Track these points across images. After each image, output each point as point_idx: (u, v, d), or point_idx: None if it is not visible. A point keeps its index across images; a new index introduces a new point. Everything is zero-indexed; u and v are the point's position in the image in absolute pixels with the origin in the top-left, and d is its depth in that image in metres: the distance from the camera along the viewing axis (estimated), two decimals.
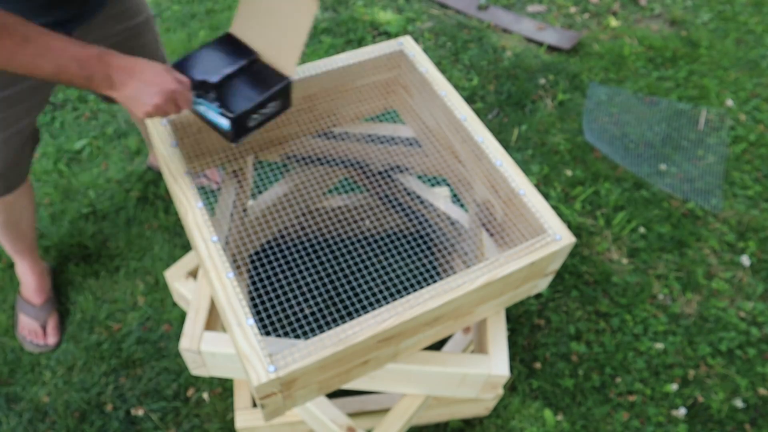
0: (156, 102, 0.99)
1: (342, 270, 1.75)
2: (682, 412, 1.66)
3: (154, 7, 2.72)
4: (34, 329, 1.70)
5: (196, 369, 1.22)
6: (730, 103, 2.40)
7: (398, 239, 1.52)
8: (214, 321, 1.24)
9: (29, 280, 1.73)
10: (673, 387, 1.70)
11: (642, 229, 2.01)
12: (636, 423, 1.64)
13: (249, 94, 1.11)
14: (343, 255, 1.51)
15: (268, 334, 1.60)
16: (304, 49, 1.06)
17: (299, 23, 1.09)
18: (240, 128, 1.10)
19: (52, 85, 1.36)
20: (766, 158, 2.23)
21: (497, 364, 1.19)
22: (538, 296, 1.85)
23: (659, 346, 1.77)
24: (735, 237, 2.00)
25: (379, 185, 1.53)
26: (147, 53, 1.49)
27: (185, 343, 1.16)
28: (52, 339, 1.71)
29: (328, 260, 1.79)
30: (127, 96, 0.99)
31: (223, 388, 1.65)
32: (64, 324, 1.75)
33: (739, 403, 1.68)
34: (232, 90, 1.11)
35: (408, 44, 1.38)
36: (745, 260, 1.95)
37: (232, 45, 1.16)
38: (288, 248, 1.78)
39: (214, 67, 1.12)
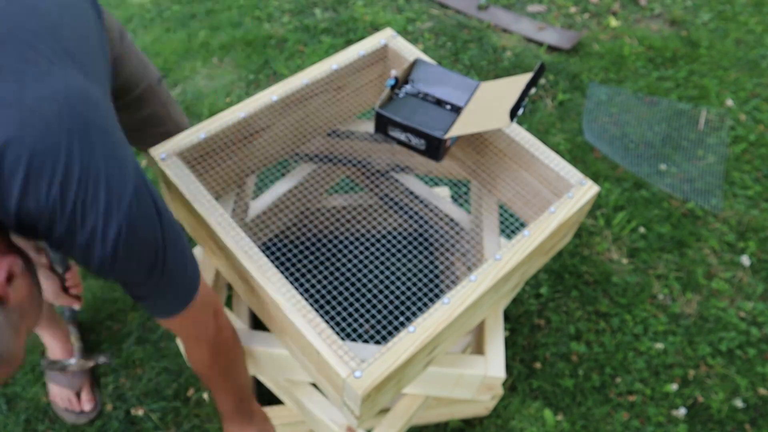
0: None
1: (341, 270, 1.75)
2: (682, 412, 1.66)
3: (154, 7, 2.72)
4: (66, 397, 1.58)
5: None
6: (730, 103, 2.40)
7: (398, 239, 1.52)
8: None
9: (54, 346, 1.60)
10: (673, 387, 1.70)
11: (642, 229, 2.01)
12: (636, 423, 1.64)
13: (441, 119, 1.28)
14: (344, 254, 1.51)
15: None
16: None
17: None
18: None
19: None
20: (766, 158, 2.23)
21: (493, 365, 1.19)
22: (538, 296, 1.85)
23: (659, 346, 1.77)
24: (735, 237, 2.00)
25: (380, 185, 1.54)
26: (153, 123, 1.40)
27: None
28: (88, 405, 1.58)
29: (328, 260, 1.79)
30: None
31: None
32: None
33: (739, 403, 1.68)
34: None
35: (391, 40, 1.38)
36: (745, 260, 1.95)
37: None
38: (288, 248, 1.78)
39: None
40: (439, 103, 1.30)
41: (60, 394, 1.58)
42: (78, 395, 1.59)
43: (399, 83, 1.31)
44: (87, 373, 1.63)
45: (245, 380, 1.19)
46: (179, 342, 1.05)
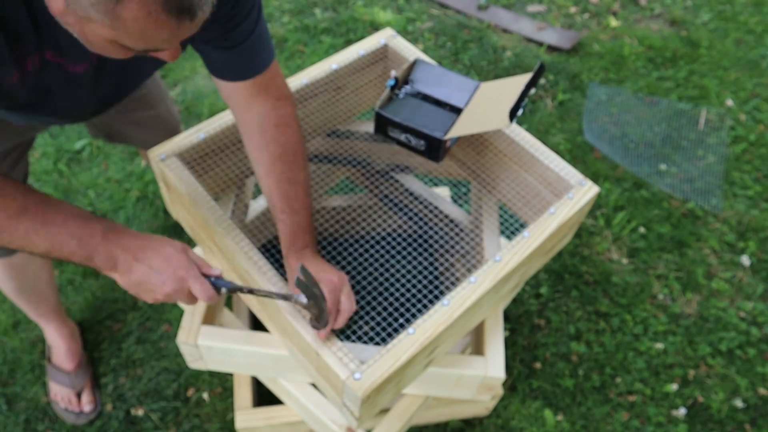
0: (166, 291, 0.88)
1: (341, 271, 1.75)
2: (682, 412, 1.66)
3: None
4: (67, 397, 1.58)
5: (193, 362, 1.22)
6: (730, 103, 2.40)
7: (398, 240, 1.52)
8: (211, 315, 1.24)
9: (58, 344, 1.59)
10: (673, 387, 1.70)
11: (642, 229, 2.01)
12: (636, 423, 1.64)
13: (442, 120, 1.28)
14: (343, 256, 1.51)
15: None
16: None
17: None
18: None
19: (28, 143, 1.24)
20: (766, 158, 2.23)
21: (493, 365, 1.19)
22: (538, 296, 1.85)
23: (659, 346, 1.77)
24: (735, 237, 2.00)
25: (380, 185, 1.54)
26: (146, 104, 1.41)
27: (182, 337, 1.16)
28: (88, 406, 1.58)
29: (328, 261, 1.79)
30: (132, 282, 0.88)
31: (223, 388, 1.65)
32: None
33: (739, 403, 1.68)
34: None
35: (391, 40, 1.38)
36: (745, 260, 1.95)
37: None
38: None
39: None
40: (439, 103, 1.30)
41: (61, 393, 1.58)
42: (79, 396, 1.59)
43: (399, 83, 1.31)
44: (89, 374, 1.63)
45: (307, 206, 1.11)
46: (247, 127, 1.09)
